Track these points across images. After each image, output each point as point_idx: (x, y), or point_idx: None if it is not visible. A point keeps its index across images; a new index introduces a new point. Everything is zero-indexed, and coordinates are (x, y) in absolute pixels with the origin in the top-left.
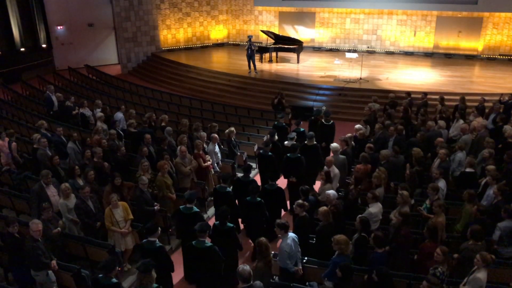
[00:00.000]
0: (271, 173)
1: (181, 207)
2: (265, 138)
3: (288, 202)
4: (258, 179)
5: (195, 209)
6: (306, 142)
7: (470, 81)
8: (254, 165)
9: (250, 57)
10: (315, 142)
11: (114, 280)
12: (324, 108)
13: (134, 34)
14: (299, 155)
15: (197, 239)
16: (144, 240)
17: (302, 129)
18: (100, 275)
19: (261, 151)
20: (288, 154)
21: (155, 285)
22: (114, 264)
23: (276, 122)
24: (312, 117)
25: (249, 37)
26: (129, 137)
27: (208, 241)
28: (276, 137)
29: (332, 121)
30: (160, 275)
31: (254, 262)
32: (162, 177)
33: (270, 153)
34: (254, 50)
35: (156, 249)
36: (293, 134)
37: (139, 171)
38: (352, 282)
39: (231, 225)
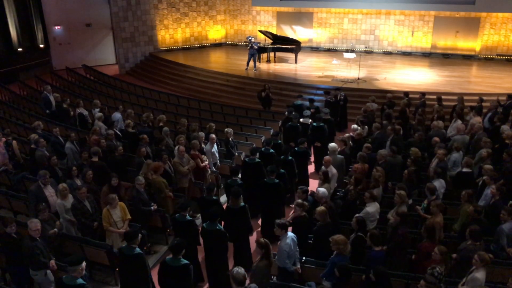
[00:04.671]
0: (298, 140)
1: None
2: (287, 113)
3: (314, 165)
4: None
5: (257, 159)
6: (321, 115)
7: (467, 81)
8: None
9: (252, 55)
10: (329, 117)
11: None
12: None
13: (131, 34)
14: (322, 124)
15: (268, 177)
16: (229, 180)
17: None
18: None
19: (290, 123)
20: (314, 124)
21: (242, 203)
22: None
23: (295, 102)
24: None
25: (248, 38)
26: (127, 137)
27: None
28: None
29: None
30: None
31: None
32: (158, 177)
33: (298, 124)
34: (256, 49)
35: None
36: (308, 112)
37: (144, 170)
38: (350, 282)
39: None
